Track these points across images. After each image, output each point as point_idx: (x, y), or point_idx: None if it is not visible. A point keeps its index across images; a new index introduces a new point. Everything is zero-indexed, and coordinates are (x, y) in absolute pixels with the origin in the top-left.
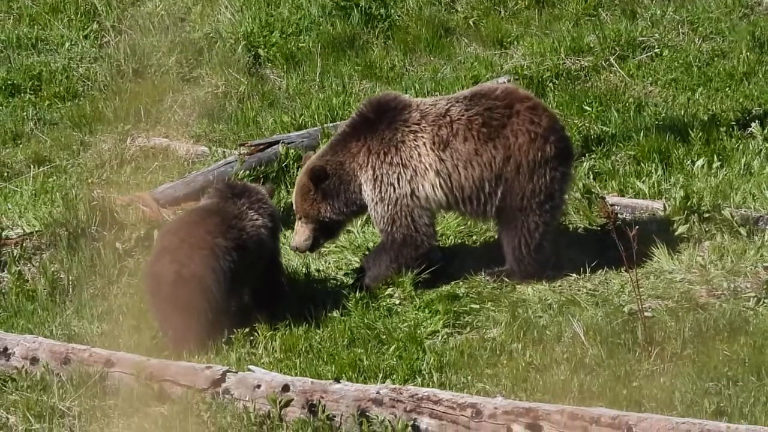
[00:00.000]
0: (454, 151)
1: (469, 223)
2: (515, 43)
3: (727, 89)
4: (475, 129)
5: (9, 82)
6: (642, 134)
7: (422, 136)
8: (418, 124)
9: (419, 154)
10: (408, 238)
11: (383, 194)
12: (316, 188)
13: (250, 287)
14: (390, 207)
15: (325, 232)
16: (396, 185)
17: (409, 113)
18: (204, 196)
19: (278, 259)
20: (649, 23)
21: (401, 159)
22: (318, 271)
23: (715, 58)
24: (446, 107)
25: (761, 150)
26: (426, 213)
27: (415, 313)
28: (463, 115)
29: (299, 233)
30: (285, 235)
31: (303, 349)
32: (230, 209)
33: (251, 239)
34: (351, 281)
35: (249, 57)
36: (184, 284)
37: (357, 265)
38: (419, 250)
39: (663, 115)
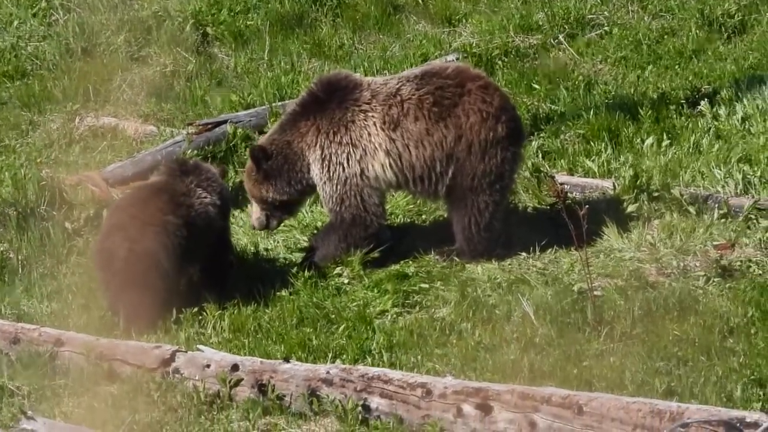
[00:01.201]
0: (404, 131)
1: (418, 202)
2: (464, 20)
3: (676, 67)
4: (426, 108)
5: None
6: (591, 113)
7: (372, 116)
8: (368, 104)
9: (369, 134)
10: (357, 218)
11: (332, 174)
12: (258, 168)
13: (199, 265)
14: (339, 186)
15: (277, 211)
16: (345, 165)
17: (360, 92)
18: (153, 173)
19: (227, 237)
20: (598, 1)
21: (351, 138)
22: (266, 250)
23: (665, 36)
24: (397, 86)
25: (710, 128)
26: (375, 193)
27: (365, 293)
28: (413, 95)
29: (253, 213)
30: (234, 215)
31: (252, 328)
32: (179, 186)
33: (200, 216)
34: (299, 261)
35: (197, 35)
36: (137, 260)
37: (305, 245)
38: (368, 229)
39: (612, 93)
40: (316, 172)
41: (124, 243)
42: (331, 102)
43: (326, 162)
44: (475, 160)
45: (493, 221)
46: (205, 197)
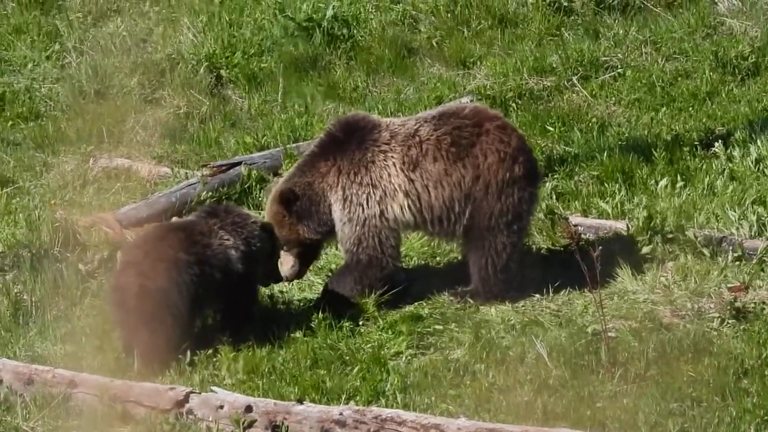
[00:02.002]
0: (423, 172)
1: (432, 243)
2: (478, 63)
3: (690, 109)
4: (444, 149)
5: None
6: (605, 154)
7: (392, 156)
8: (387, 144)
9: (389, 175)
10: (373, 260)
11: (351, 214)
12: (289, 212)
13: (214, 307)
14: (357, 227)
15: (307, 255)
16: (365, 205)
17: (379, 133)
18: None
19: (250, 285)
20: (612, 43)
21: (371, 179)
22: (281, 292)
23: (679, 78)
24: (415, 127)
25: (724, 170)
26: (393, 234)
27: (379, 334)
28: (432, 135)
29: (285, 262)
30: None
31: (266, 370)
32: (198, 226)
33: (216, 256)
34: (314, 302)
35: (211, 78)
36: (149, 297)
37: (320, 287)
38: (384, 271)
39: (626, 135)
40: (336, 213)
41: (136, 280)
42: (351, 142)
43: (347, 202)
44: (492, 200)
45: (510, 263)
46: (227, 239)
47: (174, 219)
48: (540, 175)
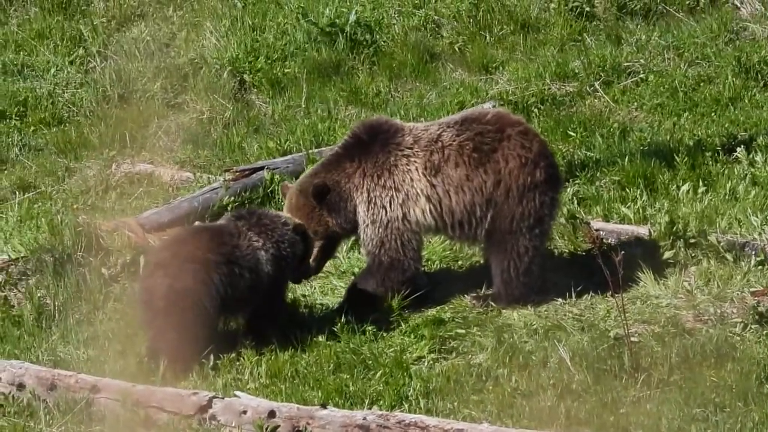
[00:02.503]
0: (445, 177)
1: (455, 247)
2: (500, 68)
3: (712, 114)
4: (466, 154)
5: None
6: (627, 159)
7: (414, 161)
8: (410, 149)
9: (411, 179)
10: (395, 262)
11: (375, 216)
12: (320, 203)
13: (243, 309)
14: (380, 230)
15: (329, 248)
16: (388, 208)
17: (402, 137)
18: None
19: (280, 289)
20: (635, 48)
21: (394, 182)
22: (303, 296)
23: (701, 84)
24: (438, 132)
25: (746, 175)
26: (415, 237)
27: (401, 339)
28: (454, 141)
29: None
30: None
31: (289, 374)
32: (227, 228)
33: (245, 258)
34: (337, 306)
35: (234, 82)
36: (177, 298)
37: (342, 290)
38: (406, 273)
39: (648, 140)
40: (360, 214)
41: (164, 281)
42: (375, 145)
43: (371, 204)
44: (513, 204)
45: (532, 266)
46: (256, 241)
47: (197, 223)
48: (561, 180)
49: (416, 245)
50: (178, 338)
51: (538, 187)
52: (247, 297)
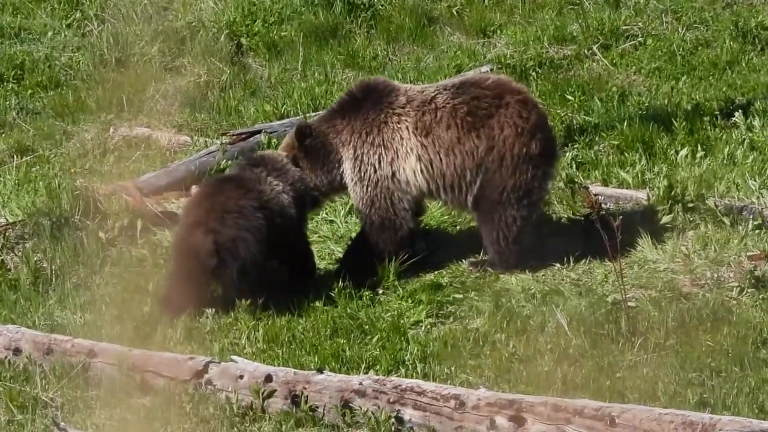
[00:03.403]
0: (436, 138)
1: (453, 212)
2: (498, 32)
3: (710, 78)
4: (459, 117)
5: None
6: (625, 124)
7: (405, 120)
8: (402, 108)
9: (401, 137)
10: (386, 221)
11: (363, 174)
12: (300, 144)
13: (279, 257)
14: (369, 188)
15: None
16: (377, 166)
17: (396, 97)
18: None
19: (305, 230)
20: (633, 12)
21: (383, 140)
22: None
23: (699, 48)
24: (433, 94)
25: (744, 140)
26: (406, 197)
27: (399, 303)
28: (448, 103)
29: None
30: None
31: (286, 339)
32: (248, 176)
33: (272, 202)
34: (334, 271)
35: (231, 46)
36: (226, 251)
37: (339, 255)
38: (399, 233)
39: (646, 104)
40: (348, 172)
41: (208, 237)
42: (367, 103)
43: (358, 161)
44: (505, 174)
45: (521, 235)
46: (277, 185)
47: (194, 187)
48: (557, 153)
49: (407, 205)
50: (239, 291)
51: (532, 159)
52: (280, 242)
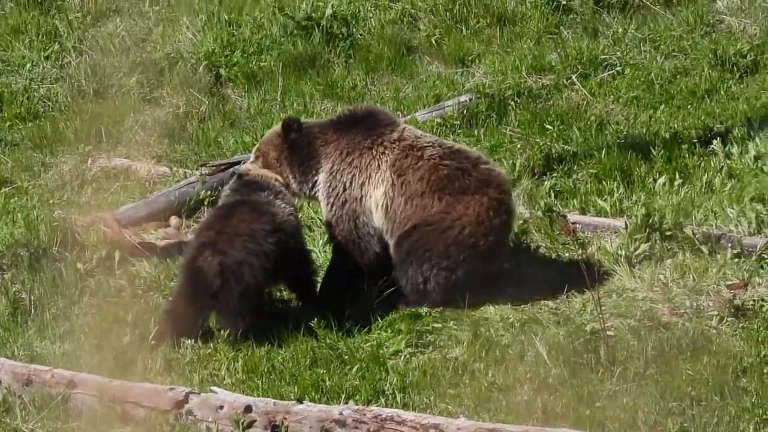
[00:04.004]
0: (405, 182)
1: None
2: (477, 61)
3: (689, 107)
4: (436, 176)
5: None
6: (603, 152)
7: (388, 154)
8: (391, 143)
9: (378, 167)
10: (350, 243)
11: (332, 190)
12: (285, 137)
13: (287, 280)
14: (336, 207)
15: None
16: (347, 185)
17: (390, 131)
18: (222, 197)
19: (307, 251)
20: (611, 41)
21: (360, 163)
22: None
23: (677, 76)
24: (425, 144)
25: (722, 167)
26: (371, 223)
27: (378, 333)
28: (434, 159)
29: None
30: None
31: (265, 370)
32: (259, 199)
33: (285, 224)
34: (312, 301)
35: (210, 77)
36: (231, 273)
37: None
38: (364, 255)
39: (625, 133)
40: (321, 185)
41: (214, 259)
42: (362, 126)
43: (332, 177)
44: (440, 242)
45: (428, 294)
46: (285, 207)
47: (173, 218)
48: (499, 258)
49: (372, 231)
50: (233, 316)
51: (473, 249)
52: (289, 264)
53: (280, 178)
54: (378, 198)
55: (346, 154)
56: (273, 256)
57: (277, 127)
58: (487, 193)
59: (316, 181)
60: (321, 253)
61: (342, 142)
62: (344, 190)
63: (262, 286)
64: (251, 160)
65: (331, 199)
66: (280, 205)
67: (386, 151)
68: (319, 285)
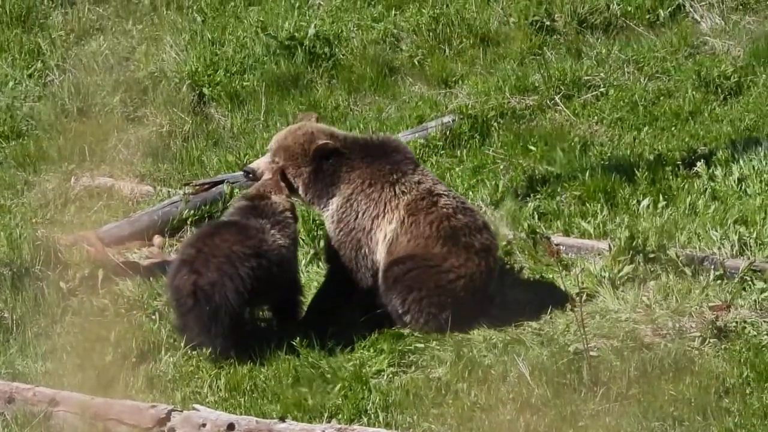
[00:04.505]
0: (414, 223)
1: None
2: (460, 82)
3: (673, 128)
4: (445, 225)
5: None
6: (587, 174)
7: (406, 194)
8: (411, 183)
9: (394, 205)
10: (348, 272)
11: (343, 216)
12: (314, 161)
13: (271, 303)
14: (342, 233)
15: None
16: (359, 215)
17: (413, 171)
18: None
19: (296, 279)
20: (595, 62)
21: (378, 196)
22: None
23: (661, 98)
24: (440, 192)
25: (706, 189)
26: (371, 257)
27: (361, 352)
28: (446, 209)
29: (260, 162)
30: None
31: (248, 388)
32: (251, 224)
33: (272, 252)
34: (296, 320)
35: (193, 96)
36: (203, 294)
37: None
38: (358, 285)
39: (608, 154)
40: (333, 207)
41: (189, 278)
42: (389, 159)
43: (347, 203)
44: (430, 283)
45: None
46: (279, 239)
47: (156, 237)
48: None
49: (370, 265)
50: (206, 337)
51: (457, 299)
52: (272, 290)
53: (287, 205)
54: (387, 233)
55: (368, 185)
56: (249, 280)
57: (298, 135)
58: (486, 260)
59: (331, 202)
60: (304, 273)
61: (366, 171)
62: (355, 218)
63: (235, 309)
64: (266, 159)
65: (341, 225)
66: (274, 235)
67: (405, 190)
68: (306, 306)
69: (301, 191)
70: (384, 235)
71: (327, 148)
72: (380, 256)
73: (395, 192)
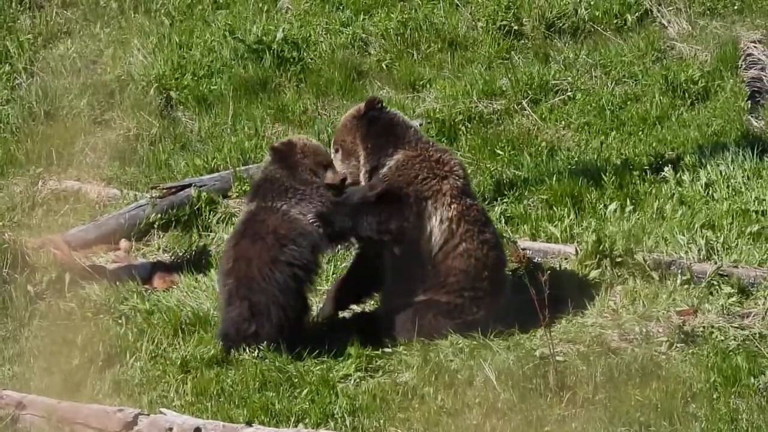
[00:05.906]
0: (469, 234)
1: None
2: (428, 86)
3: (640, 133)
4: (473, 217)
5: None
6: (554, 178)
7: (454, 203)
8: (455, 180)
9: (446, 202)
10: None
11: (405, 170)
12: (364, 115)
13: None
14: (402, 180)
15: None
16: (419, 178)
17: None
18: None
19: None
20: (562, 67)
21: (433, 180)
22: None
23: (628, 102)
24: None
25: (674, 194)
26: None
27: (328, 357)
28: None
29: (338, 165)
30: (197, 279)
31: (215, 392)
32: (288, 206)
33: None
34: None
35: (161, 99)
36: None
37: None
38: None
39: (576, 159)
40: (398, 157)
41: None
42: (434, 146)
43: (409, 162)
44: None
45: None
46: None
47: (122, 241)
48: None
49: (413, 224)
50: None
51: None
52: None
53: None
54: (442, 218)
55: (423, 160)
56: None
57: (346, 115)
58: (499, 266)
59: (395, 153)
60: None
61: (409, 153)
62: (416, 177)
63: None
64: (332, 155)
65: (403, 174)
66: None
67: (453, 193)
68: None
69: (362, 158)
70: (439, 218)
71: (376, 99)
72: (432, 234)
73: (442, 188)
